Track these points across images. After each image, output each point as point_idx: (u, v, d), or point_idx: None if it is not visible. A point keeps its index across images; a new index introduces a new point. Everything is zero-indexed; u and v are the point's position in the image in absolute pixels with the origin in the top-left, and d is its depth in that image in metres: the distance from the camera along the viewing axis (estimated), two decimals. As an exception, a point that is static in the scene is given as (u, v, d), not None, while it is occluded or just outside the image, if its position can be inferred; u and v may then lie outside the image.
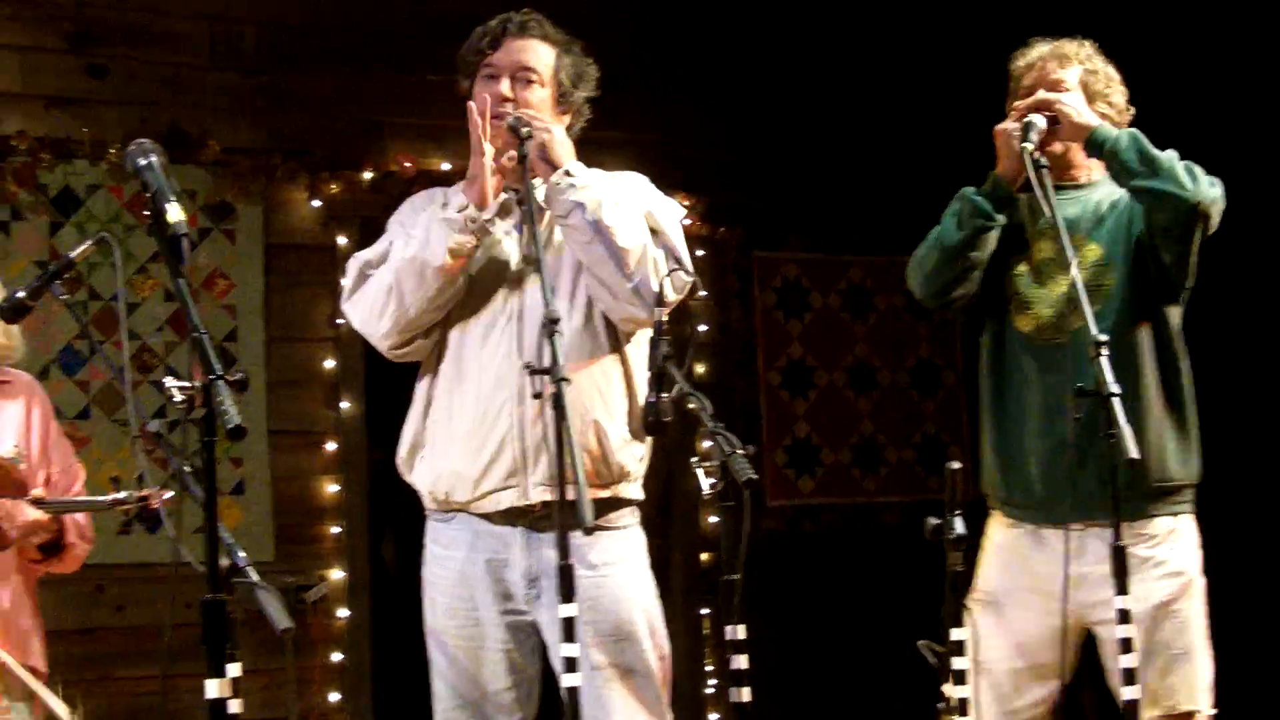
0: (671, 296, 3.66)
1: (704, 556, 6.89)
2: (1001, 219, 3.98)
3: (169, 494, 3.44)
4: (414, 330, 3.80)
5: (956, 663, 3.41)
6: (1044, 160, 3.87)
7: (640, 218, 3.72)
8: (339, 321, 6.17)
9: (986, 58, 4.45)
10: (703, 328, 6.81)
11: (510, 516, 3.73)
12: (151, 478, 3.45)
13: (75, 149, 6.03)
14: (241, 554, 2.96)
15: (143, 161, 2.97)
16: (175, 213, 2.87)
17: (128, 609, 5.99)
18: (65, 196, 6.03)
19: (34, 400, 3.95)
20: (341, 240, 6.39)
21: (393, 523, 6.83)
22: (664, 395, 3.39)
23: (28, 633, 3.83)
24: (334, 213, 6.43)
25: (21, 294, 3.51)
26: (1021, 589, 3.96)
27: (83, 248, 3.42)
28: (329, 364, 6.37)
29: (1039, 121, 3.91)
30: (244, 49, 6.39)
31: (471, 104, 3.73)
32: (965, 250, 3.99)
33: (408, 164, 6.50)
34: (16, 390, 3.93)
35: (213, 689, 2.73)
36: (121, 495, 3.66)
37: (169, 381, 2.83)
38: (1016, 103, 4.01)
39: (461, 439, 3.74)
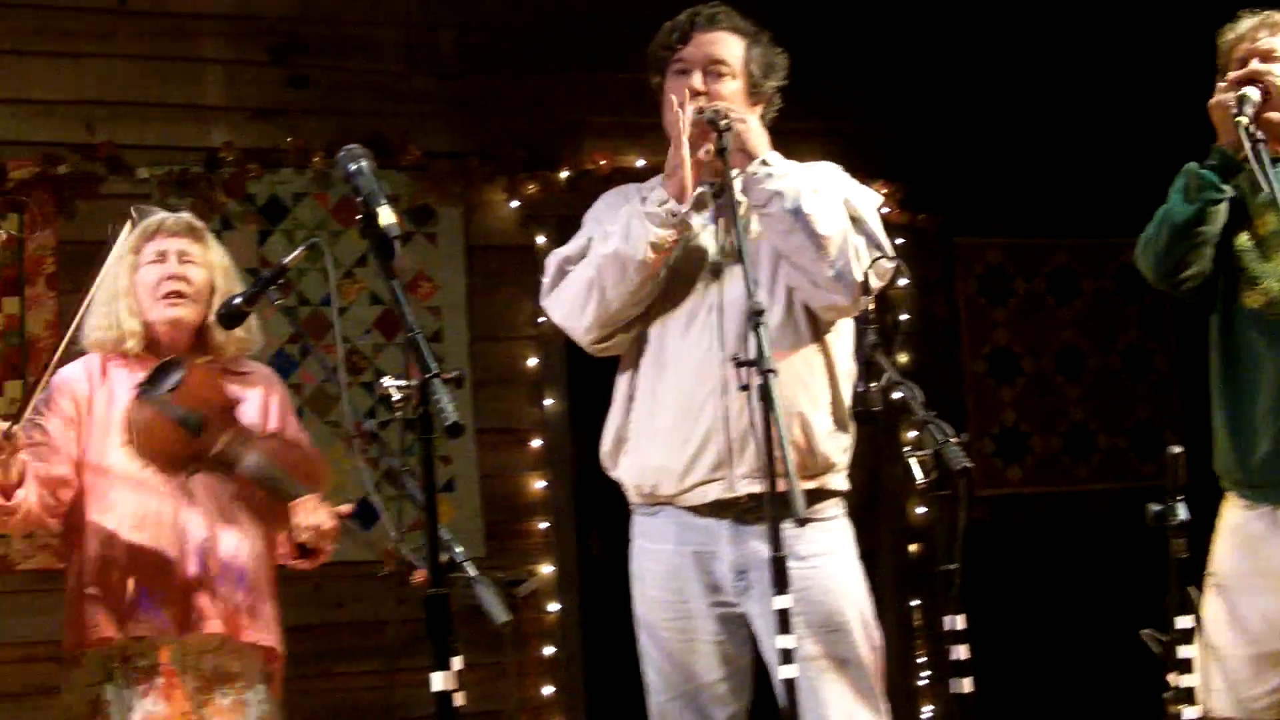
0: (875, 284, 3.63)
1: (912, 548, 6.83)
2: (1229, 190, 3.85)
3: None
4: (615, 325, 3.81)
5: (1182, 651, 3.33)
6: (1260, 133, 3.76)
7: (839, 205, 3.70)
8: (540, 320, 6.22)
9: (1190, 34, 4.35)
10: (904, 316, 6.76)
11: (716, 509, 3.72)
12: (366, 477, 3.48)
13: (280, 158, 6.17)
14: (459, 549, 3.00)
15: (353, 166, 3.02)
16: (387, 215, 2.92)
17: (346, 605, 6.11)
18: (272, 205, 6.18)
19: (272, 391, 4.05)
20: (540, 239, 6.45)
21: (598, 516, 6.87)
22: (872, 385, 3.37)
23: (270, 616, 3.91)
24: (532, 212, 6.49)
25: (239, 300, 3.59)
26: (1254, 573, 3.84)
27: (296, 253, 3.48)
28: (532, 362, 6.44)
29: (1253, 93, 3.79)
30: (441, 54, 6.48)
31: (671, 98, 3.73)
32: (1195, 225, 3.86)
33: (603, 162, 6.54)
34: (255, 380, 4.03)
35: (438, 681, 2.77)
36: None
37: (386, 380, 2.88)
38: (1229, 74, 3.90)
39: (665, 433, 3.75)
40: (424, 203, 6.30)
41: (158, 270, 3.83)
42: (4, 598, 5.99)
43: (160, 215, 3.88)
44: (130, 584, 3.67)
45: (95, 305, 3.79)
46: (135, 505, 3.70)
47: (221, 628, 3.73)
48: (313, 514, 3.80)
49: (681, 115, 3.68)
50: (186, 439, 3.73)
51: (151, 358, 3.83)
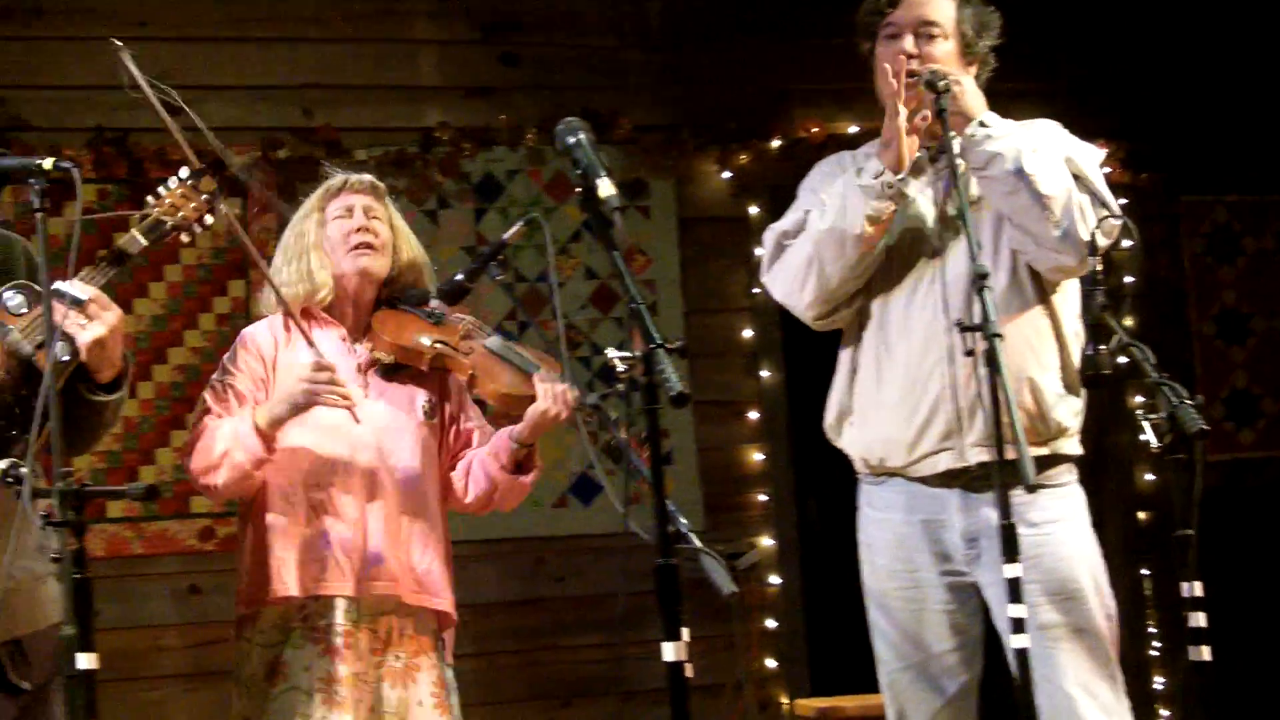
0: (1102, 243, 3.55)
1: (1141, 515, 6.68)
2: None
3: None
4: (836, 299, 3.78)
5: None
6: None
7: (1061, 163, 3.61)
8: (755, 291, 6.20)
9: None
10: (1129, 279, 6.59)
11: (946, 478, 3.67)
12: (588, 451, 3.50)
13: (494, 136, 6.22)
14: (684, 521, 2.99)
15: (572, 139, 3.02)
16: (607, 187, 2.92)
17: (568, 579, 6.17)
18: (487, 183, 6.24)
19: None
20: (753, 210, 6.43)
21: (817, 487, 6.83)
22: (1102, 347, 3.29)
23: (445, 580, 3.87)
24: (744, 183, 6.48)
25: (460, 277, 3.62)
26: None
27: (515, 228, 3.51)
28: (747, 333, 6.43)
29: None
30: (650, 26, 6.48)
31: (885, 66, 3.67)
32: None
33: (815, 129, 6.49)
34: None
35: (669, 652, 2.76)
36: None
37: (611, 352, 2.88)
38: None
39: (893, 404, 3.70)
40: (636, 176, 6.31)
41: (346, 224, 3.85)
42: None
43: (342, 176, 3.92)
44: (312, 543, 3.67)
45: (282, 264, 3.85)
46: (319, 464, 3.72)
47: (398, 589, 3.73)
48: (550, 379, 3.76)
49: (896, 83, 3.62)
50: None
51: (332, 318, 3.86)
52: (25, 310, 3.18)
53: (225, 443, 3.65)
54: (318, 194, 3.92)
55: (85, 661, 2.82)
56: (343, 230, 3.85)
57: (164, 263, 5.86)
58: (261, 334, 3.85)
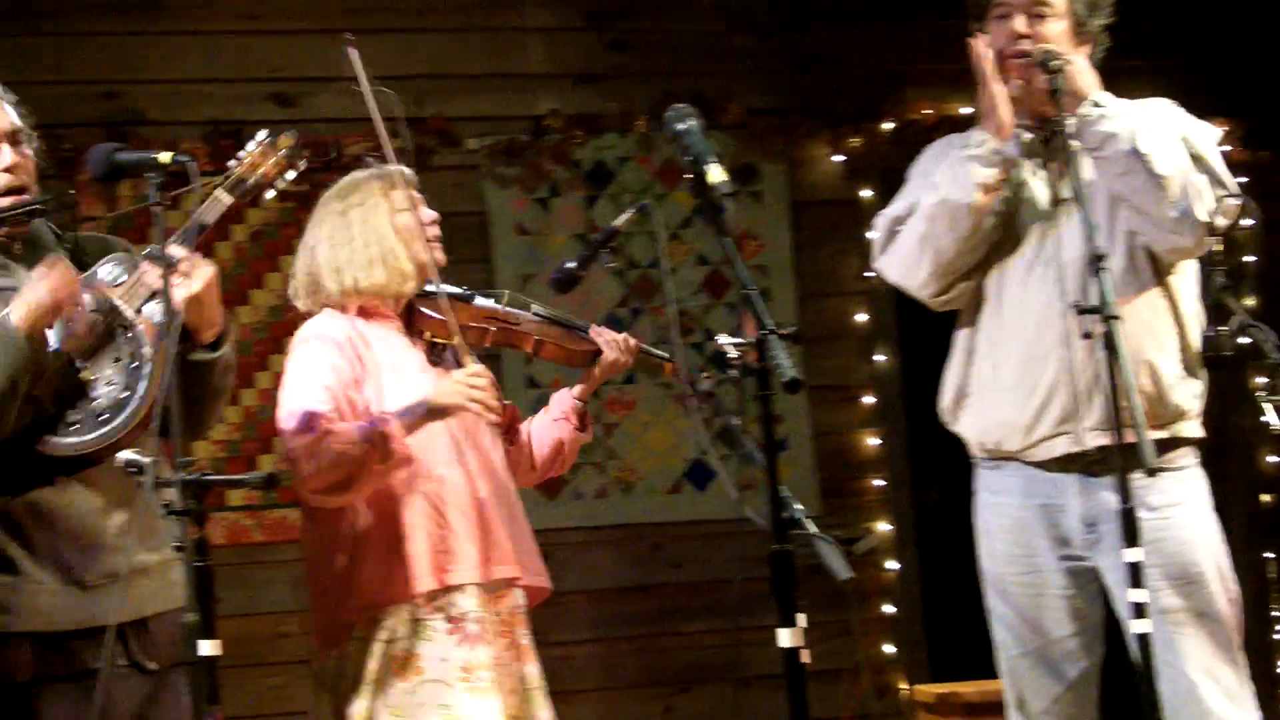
0: (1221, 223, 3.50)
1: (1264, 498, 6.58)
2: None
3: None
4: (952, 274, 3.75)
5: None
6: None
7: (1177, 143, 3.56)
8: (868, 274, 6.17)
9: None
10: (1250, 258, 6.49)
11: (1064, 463, 3.64)
12: (702, 437, 3.50)
13: (604, 123, 6.23)
14: (799, 506, 2.98)
15: (681, 126, 3.02)
16: (717, 173, 2.92)
17: (684, 565, 6.18)
18: (598, 170, 6.25)
19: None
20: (865, 194, 6.39)
21: (934, 471, 6.79)
22: (1222, 328, 3.24)
23: (535, 552, 3.84)
24: (856, 166, 6.44)
25: (573, 265, 3.63)
26: None
27: (626, 215, 3.52)
28: (861, 317, 6.40)
29: None
30: (758, 10, 6.46)
31: (976, 40, 3.66)
32: None
33: (927, 112, 6.44)
34: None
35: (785, 638, 2.76)
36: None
37: (723, 338, 2.88)
38: None
39: (1008, 387, 3.67)
40: (747, 161, 6.29)
41: (416, 215, 3.77)
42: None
43: (390, 169, 3.81)
44: (436, 534, 3.63)
45: (348, 252, 3.73)
46: (426, 455, 3.64)
47: (515, 571, 3.71)
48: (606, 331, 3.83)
49: (984, 53, 3.60)
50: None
51: (387, 312, 3.79)
52: (123, 279, 3.24)
53: (357, 450, 3.52)
54: (374, 184, 3.79)
55: (207, 648, 2.87)
56: (416, 222, 3.76)
57: (279, 254, 5.92)
58: (335, 328, 3.70)
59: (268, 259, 6.00)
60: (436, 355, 3.80)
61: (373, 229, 3.73)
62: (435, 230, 3.78)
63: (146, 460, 2.94)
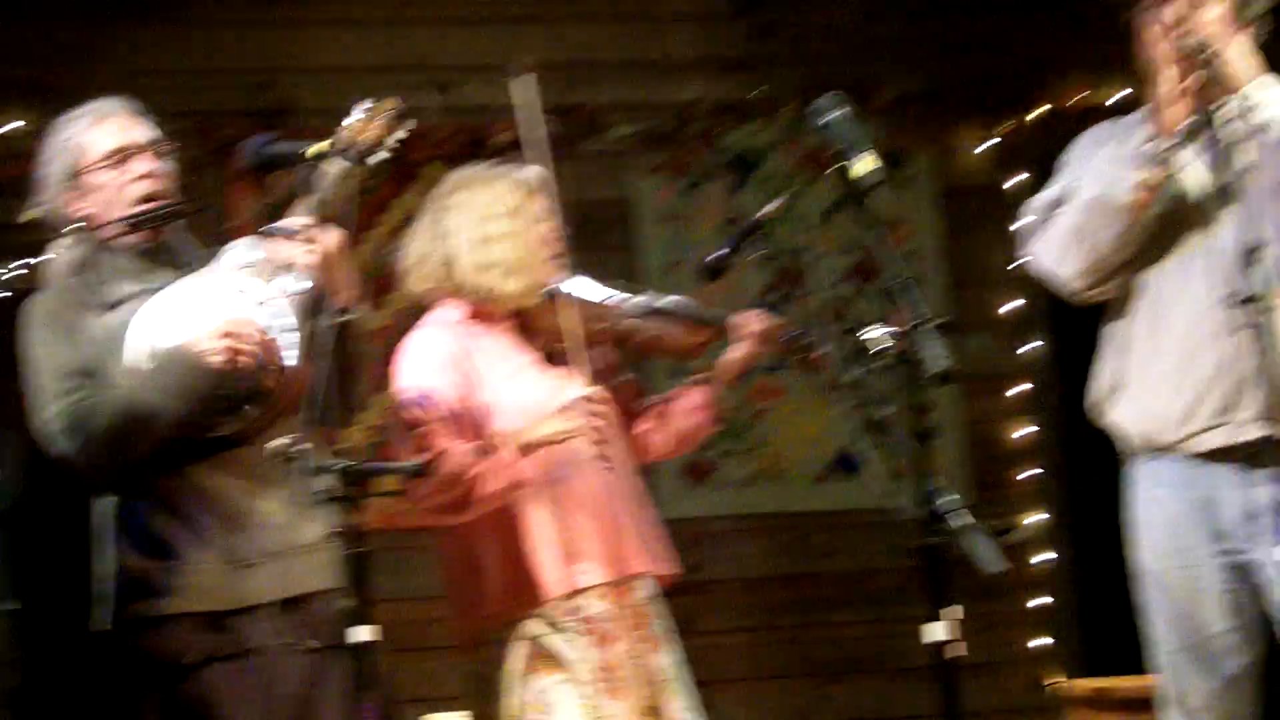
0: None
1: None
2: None
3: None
4: (1104, 271, 3.68)
5: None
6: None
7: None
8: (1019, 263, 6.09)
9: None
10: None
11: (1221, 455, 3.56)
12: (851, 427, 3.47)
13: (750, 110, 6.21)
14: (951, 497, 2.95)
15: (830, 114, 3.01)
16: (866, 163, 2.90)
17: (834, 555, 6.15)
18: (743, 157, 6.25)
19: None
20: (1015, 180, 6.31)
21: (1087, 463, 6.70)
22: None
23: (661, 537, 3.83)
24: (1007, 152, 6.37)
25: (722, 253, 3.62)
26: None
27: (774, 204, 3.50)
28: (1012, 306, 6.32)
29: None
30: (907, -4, 6.41)
31: (1156, 29, 3.57)
32: None
33: (1079, 98, 6.35)
34: None
35: (935, 631, 2.74)
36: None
37: (875, 328, 2.86)
38: None
39: (1164, 379, 3.61)
40: (896, 147, 6.23)
41: (550, 227, 3.76)
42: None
43: (528, 172, 3.77)
44: (567, 537, 3.64)
45: (496, 253, 3.70)
46: (558, 455, 3.64)
47: (642, 564, 3.72)
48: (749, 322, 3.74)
49: (1167, 47, 3.52)
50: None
51: (500, 315, 3.77)
52: (253, 259, 3.31)
53: (471, 472, 3.55)
54: (514, 187, 3.75)
55: (364, 634, 2.90)
56: (553, 235, 3.75)
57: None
58: (444, 340, 3.70)
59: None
60: (554, 357, 3.75)
61: (519, 236, 3.71)
62: (558, 246, 3.77)
63: (300, 447, 2.99)
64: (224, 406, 3.20)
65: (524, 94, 3.61)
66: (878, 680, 6.09)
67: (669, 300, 3.75)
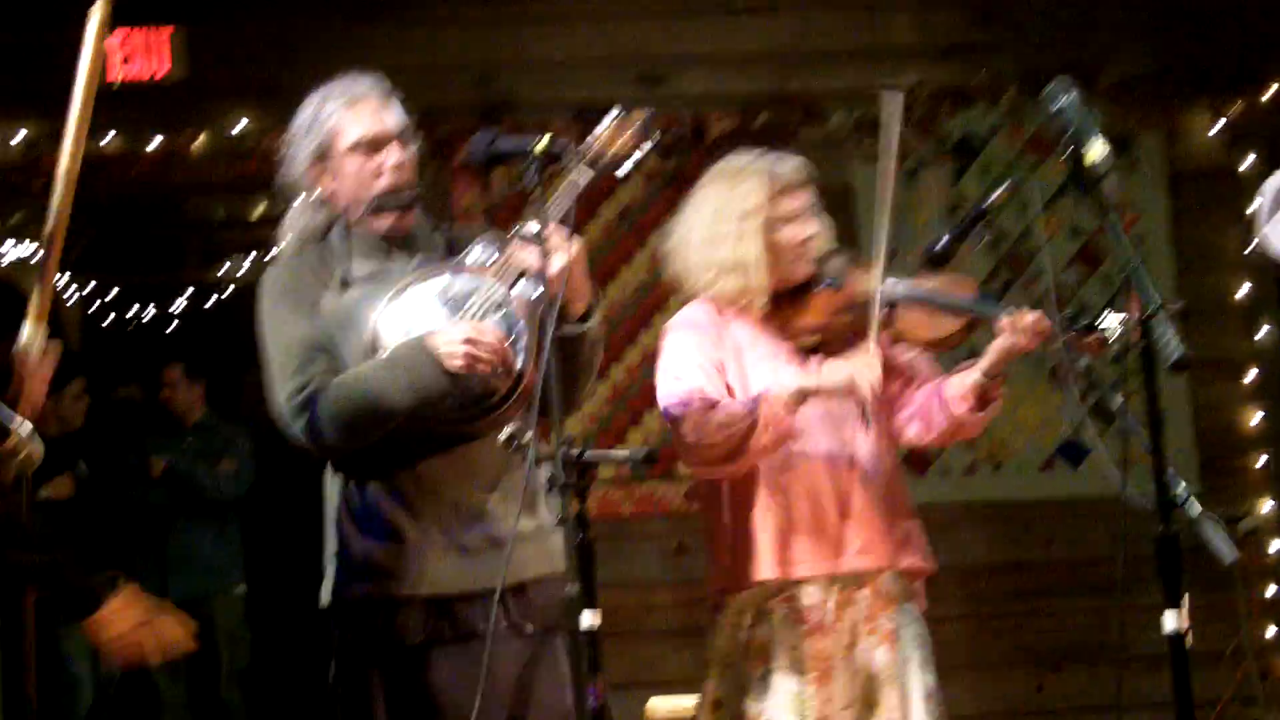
0: None
1: None
2: None
3: None
4: (1341, 255, 3.59)
5: None
6: None
7: None
8: (1252, 247, 5.96)
9: None
10: None
11: None
12: (1078, 415, 3.42)
13: (972, 94, 6.15)
14: (1183, 485, 2.90)
15: (1061, 100, 2.97)
16: (1099, 149, 2.86)
17: (1057, 542, 6.10)
18: (965, 143, 6.19)
19: None
20: (1248, 162, 6.17)
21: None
22: None
23: (914, 531, 3.75)
24: (1239, 133, 6.23)
25: (947, 239, 3.59)
26: None
27: (1000, 190, 3.47)
28: (1243, 291, 6.19)
29: None
30: (1128, -29, 6.29)
31: None
32: None
33: (1315, 76, 6.19)
34: None
35: (1170, 621, 2.69)
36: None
37: (1108, 315, 2.82)
38: None
39: None
40: (1122, 130, 6.13)
41: (797, 230, 3.68)
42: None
43: (790, 168, 3.70)
44: (788, 524, 3.62)
45: (709, 250, 3.69)
46: (797, 442, 3.61)
47: (876, 560, 3.64)
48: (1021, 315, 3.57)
49: None
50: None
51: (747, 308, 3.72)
52: (494, 260, 3.31)
53: (741, 423, 3.54)
54: (762, 185, 3.69)
55: (589, 618, 2.94)
56: (797, 238, 3.68)
57: (647, 231, 6.02)
58: (699, 317, 3.72)
59: (635, 236, 6.11)
60: (809, 350, 3.71)
61: (747, 238, 3.66)
62: (814, 245, 3.70)
63: (527, 435, 3.03)
64: (455, 406, 3.25)
65: (890, 110, 3.62)
66: (1101, 669, 5.99)
67: (929, 289, 3.67)
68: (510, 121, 5.88)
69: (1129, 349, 2.82)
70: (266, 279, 3.41)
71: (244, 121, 6.06)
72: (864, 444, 3.68)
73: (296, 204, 3.47)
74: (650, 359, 6.02)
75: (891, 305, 3.63)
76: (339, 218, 3.41)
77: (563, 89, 6.09)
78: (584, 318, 3.35)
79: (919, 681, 3.64)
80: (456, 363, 3.17)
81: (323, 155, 3.37)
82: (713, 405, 3.56)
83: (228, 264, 8.70)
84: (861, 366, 3.50)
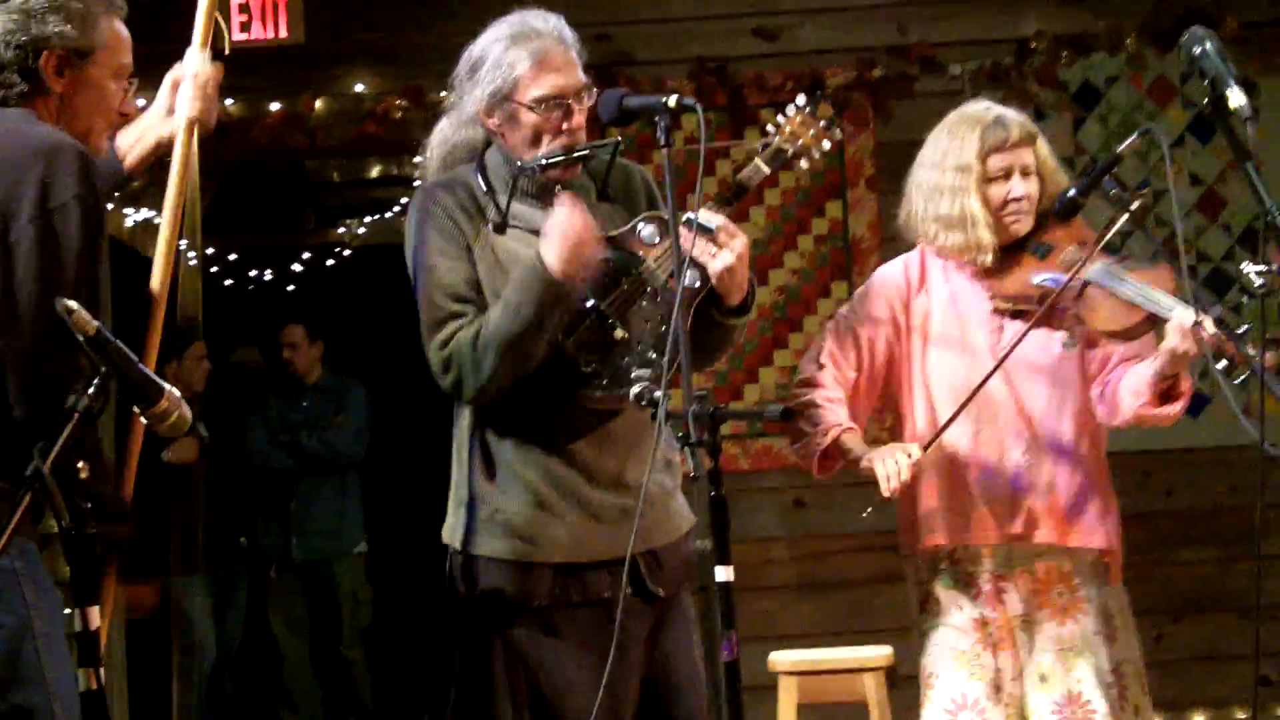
0: None
1: None
2: None
3: None
4: None
5: None
6: None
7: None
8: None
9: None
10: None
11: None
12: (1203, 361, 3.37)
13: (1092, 43, 6.07)
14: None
15: (1199, 48, 2.95)
16: (1238, 96, 2.84)
17: (1176, 493, 6.05)
18: (1085, 91, 6.13)
19: None
20: (1373, 107, 6.05)
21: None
22: None
23: (1101, 511, 3.76)
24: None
25: (1074, 193, 3.57)
26: None
27: (1130, 141, 3.44)
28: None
29: None
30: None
31: None
32: None
33: None
34: None
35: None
36: None
37: (1246, 266, 2.80)
38: None
39: None
40: (1244, 76, 6.01)
41: (1004, 188, 3.67)
42: (839, 490, 6.27)
43: (1005, 126, 3.68)
44: (959, 492, 3.65)
45: (926, 204, 3.72)
46: (967, 411, 3.61)
47: (1051, 536, 3.66)
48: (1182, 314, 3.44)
49: None
50: None
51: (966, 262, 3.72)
52: (657, 240, 3.32)
53: (809, 443, 3.70)
54: (974, 142, 3.67)
55: (723, 574, 2.96)
56: (1001, 198, 3.67)
57: (764, 186, 6.01)
58: (893, 276, 3.78)
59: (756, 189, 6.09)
60: (1009, 314, 3.68)
61: (964, 193, 3.66)
62: (1018, 206, 3.68)
63: (658, 394, 3.04)
64: (592, 362, 3.27)
65: None
66: (1221, 618, 5.95)
67: (1125, 277, 3.59)
68: (627, 79, 5.88)
69: (1269, 295, 2.80)
70: (417, 205, 3.41)
71: (361, 84, 6.11)
72: (1037, 414, 3.68)
73: (448, 119, 3.47)
74: (767, 315, 6.07)
75: (1084, 286, 3.57)
76: (501, 153, 3.40)
77: (680, 45, 6.09)
78: (740, 309, 3.38)
79: (1096, 658, 3.64)
80: (560, 262, 3.16)
81: (502, 99, 3.33)
82: (811, 404, 3.70)
83: (346, 225, 8.77)
84: (894, 457, 3.54)
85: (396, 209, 8.15)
